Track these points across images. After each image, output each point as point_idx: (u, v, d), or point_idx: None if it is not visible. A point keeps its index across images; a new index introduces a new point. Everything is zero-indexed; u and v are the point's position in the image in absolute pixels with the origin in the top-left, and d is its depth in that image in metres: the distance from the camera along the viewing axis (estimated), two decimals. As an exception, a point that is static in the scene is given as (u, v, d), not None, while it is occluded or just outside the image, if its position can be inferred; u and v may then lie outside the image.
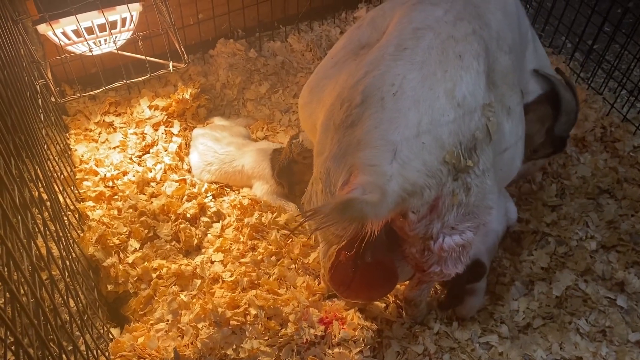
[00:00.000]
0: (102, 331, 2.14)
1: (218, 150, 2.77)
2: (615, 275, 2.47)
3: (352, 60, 1.82)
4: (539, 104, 2.38)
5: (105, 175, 2.77)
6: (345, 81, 1.73)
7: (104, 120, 3.10)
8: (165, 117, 3.12)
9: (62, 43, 2.45)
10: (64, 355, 1.71)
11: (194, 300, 2.34)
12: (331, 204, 1.43)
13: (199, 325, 2.20)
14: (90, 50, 2.48)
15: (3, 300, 1.45)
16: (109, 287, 2.37)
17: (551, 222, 2.64)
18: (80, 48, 2.48)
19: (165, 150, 2.96)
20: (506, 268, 2.49)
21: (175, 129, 3.08)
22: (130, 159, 2.91)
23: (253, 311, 2.23)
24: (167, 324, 2.25)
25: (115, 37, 2.48)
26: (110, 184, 2.76)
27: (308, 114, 1.98)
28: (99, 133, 3.04)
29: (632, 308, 2.37)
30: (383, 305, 2.31)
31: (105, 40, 2.48)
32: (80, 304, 2.05)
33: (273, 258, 2.48)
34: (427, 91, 1.57)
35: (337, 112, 1.67)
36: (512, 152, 1.87)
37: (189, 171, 2.88)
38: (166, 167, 2.85)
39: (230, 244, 2.54)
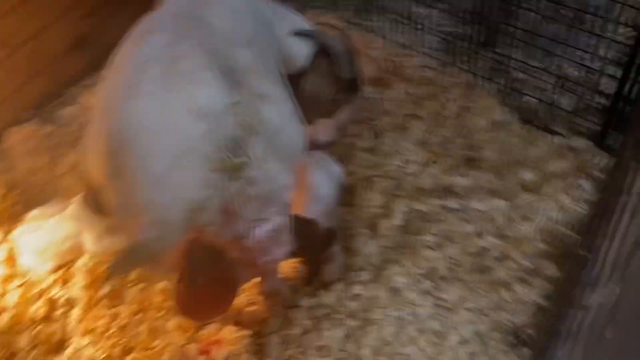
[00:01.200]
0: None
1: (44, 236, 2.67)
2: (442, 183, 2.72)
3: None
4: (312, 61, 2.52)
5: None
6: (97, 128, 1.74)
7: None
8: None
9: None
10: None
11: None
12: (118, 256, 1.47)
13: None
14: None
15: None
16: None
17: (373, 164, 2.84)
18: None
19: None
20: (350, 221, 2.66)
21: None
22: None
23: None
24: None
25: None
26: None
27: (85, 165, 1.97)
28: None
29: (464, 205, 2.64)
30: (252, 308, 2.39)
31: None
32: None
33: (138, 316, 2.47)
34: (168, 117, 1.63)
35: (96, 163, 1.70)
36: (287, 130, 1.97)
37: (28, 272, 2.75)
38: (1, 279, 2.71)
39: (93, 323, 2.48)
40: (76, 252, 2.75)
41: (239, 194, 1.73)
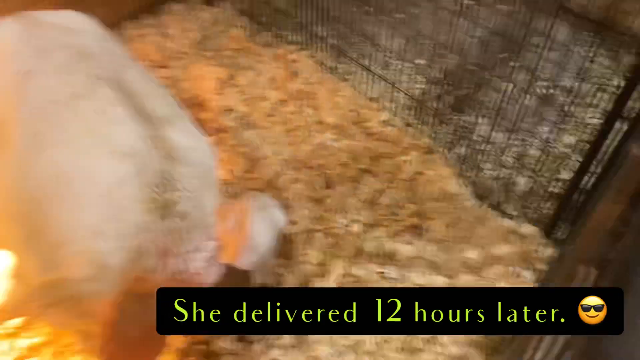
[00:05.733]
0: None
1: None
2: (385, 249, 2.62)
3: None
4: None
5: None
6: (2, 190, 1.56)
7: None
8: None
9: None
10: None
11: None
12: (43, 288, 1.33)
13: None
14: None
15: None
16: None
17: (318, 217, 2.73)
18: None
19: None
20: (282, 275, 2.53)
21: None
22: None
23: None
24: None
25: None
26: None
27: None
28: None
29: (403, 276, 2.54)
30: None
31: None
32: None
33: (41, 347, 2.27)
34: (92, 162, 1.51)
35: (16, 225, 1.52)
36: (200, 148, 1.80)
37: None
38: None
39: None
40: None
41: (173, 230, 1.61)
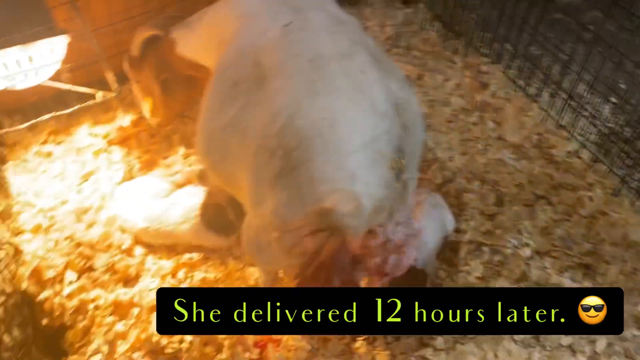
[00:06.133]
0: (36, 367, 2.13)
1: (150, 207, 2.64)
2: (549, 281, 2.52)
3: (234, 101, 1.81)
4: None
5: (42, 206, 2.75)
6: (261, 131, 1.70)
7: (42, 150, 3.07)
8: (106, 144, 3.11)
9: (-13, 78, 2.43)
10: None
11: (131, 329, 2.32)
12: (309, 213, 1.46)
13: (135, 355, 2.19)
14: (13, 86, 2.46)
15: None
16: (45, 321, 2.35)
17: (486, 231, 2.69)
18: (5, 83, 2.46)
19: (105, 178, 2.95)
20: (442, 279, 2.52)
21: (116, 156, 3.07)
22: (70, 187, 2.89)
23: (188, 338, 2.22)
24: (103, 355, 2.24)
25: (41, 69, 2.47)
26: (49, 214, 2.74)
27: (218, 176, 1.96)
28: (38, 163, 3.02)
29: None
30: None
31: (28, 74, 2.46)
32: (13, 341, 2.04)
33: (211, 283, 2.48)
34: (357, 113, 1.63)
35: (268, 162, 1.66)
36: (420, 124, 1.89)
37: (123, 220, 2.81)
38: (104, 195, 2.84)
39: (168, 272, 2.53)
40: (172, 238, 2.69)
41: (398, 196, 1.69)
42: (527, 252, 2.59)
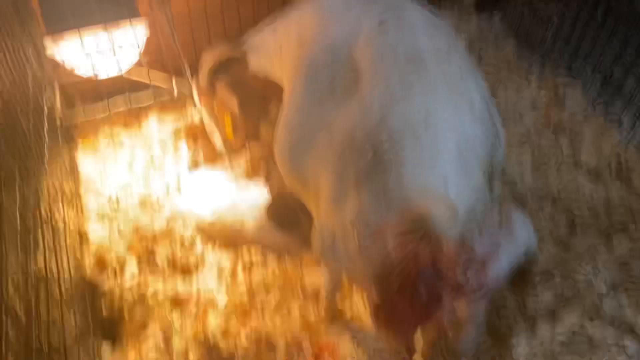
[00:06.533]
0: (93, 353, 2.15)
1: (218, 197, 2.66)
2: (625, 319, 2.36)
3: (331, 101, 1.78)
4: None
5: (110, 194, 2.80)
6: (351, 128, 1.66)
7: (113, 138, 3.13)
8: (174, 136, 3.14)
9: (68, 66, 2.49)
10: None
11: (188, 325, 2.32)
12: (405, 218, 1.39)
13: (190, 351, 2.19)
14: (96, 76, 2.51)
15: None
16: (105, 309, 2.37)
17: (559, 258, 2.55)
18: (86, 71, 2.51)
19: (172, 170, 2.98)
20: (508, 303, 2.41)
21: (183, 149, 3.10)
22: (137, 177, 2.93)
23: (244, 339, 2.20)
24: (158, 348, 2.24)
25: (120, 60, 2.51)
26: (115, 202, 2.78)
27: (295, 175, 1.92)
28: (108, 151, 3.08)
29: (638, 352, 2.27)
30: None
31: (108, 65, 2.51)
32: (74, 325, 2.07)
33: (269, 284, 2.46)
34: (453, 115, 1.57)
35: (356, 162, 1.61)
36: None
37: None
38: (169, 187, 2.86)
39: (228, 270, 2.52)
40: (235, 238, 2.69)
41: (488, 204, 1.63)
42: (601, 285, 2.44)
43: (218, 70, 2.61)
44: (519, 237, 2.27)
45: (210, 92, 2.73)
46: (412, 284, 1.50)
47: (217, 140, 2.92)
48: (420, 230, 1.34)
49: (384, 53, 1.72)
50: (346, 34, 1.86)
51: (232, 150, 2.89)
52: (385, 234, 1.41)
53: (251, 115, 2.78)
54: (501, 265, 2.20)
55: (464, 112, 1.59)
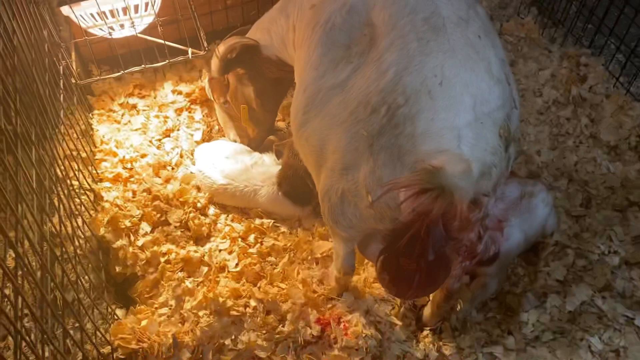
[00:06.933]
0: (107, 311, 2.18)
1: (231, 164, 2.67)
2: (636, 294, 2.34)
3: (347, 64, 1.75)
4: None
5: (124, 157, 2.81)
6: (365, 87, 1.65)
7: (127, 102, 3.13)
8: (188, 102, 3.14)
9: (83, 25, 2.48)
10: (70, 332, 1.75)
11: (199, 287, 2.35)
12: (418, 172, 1.36)
13: (200, 313, 2.21)
14: (110, 34, 2.49)
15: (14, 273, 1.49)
16: (118, 269, 2.40)
17: (573, 233, 2.53)
18: (101, 31, 2.50)
19: (185, 136, 2.98)
20: (520, 277, 2.40)
21: (197, 115, 3.09)
22: (150, 141, 2.94)
23: (253, 303, 2.22)
24: (170, 309, 2.27)
25: (136, 21, 2.49)
26: (129, 165, 2.79)
27: (307, 135, 1.89)
28: (122, 114, 3.08)
29: (650, 328, 2.25)
30: (390, 307, 2.26)
31: (124, 25, 2.49)
32: (89, 284, 2.10)
33: (279, 251, 2.47)
34: (470, 74, 1.55)
35: (368, 120, 1.60)
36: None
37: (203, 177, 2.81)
38: (182, 152, 2.87)
39: (239, 235, 2.54)
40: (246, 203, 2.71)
41: (504, 167, 1.60)
42: (615, 260, 2.42)
43: (231, 61, 2.57)
44: (539, 214, 2.25)
45: (223, 84, 2.71)
46: (421, 243, 1.49)
47: (232, 133, 2.90)
48: (433, 187, 1.30)
49: (401, 12, 1.68)
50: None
51: (249, 139, 2.86)
52: (397, 190, 1.38)
53: (268, 102, 2.76)
54: (516, 237, 2.19)
55: (482, 71, 1.56)
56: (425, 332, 2.22)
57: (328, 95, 1.78)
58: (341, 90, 1.74)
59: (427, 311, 2.22)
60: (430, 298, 2.19)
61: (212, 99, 2.85)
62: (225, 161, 2.65)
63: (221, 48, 2.51)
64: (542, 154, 2.91)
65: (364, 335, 2.09)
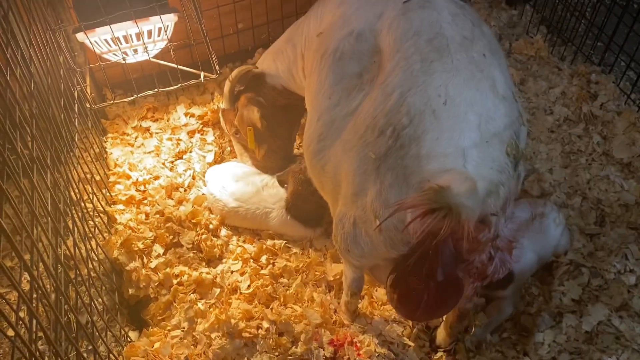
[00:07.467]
0: (120, 334, 2.19)
1: (242, 186, 2.69)
2: (654, 313, 2.31)
3: (359, 91, 1.77)
4: None
5: (137, 179, 2.84)
6: (372, 111, 1.66)
7: (140, 125, 3.18)
8: (201, 125, 3.18)
9: (98, 51, 2.53)
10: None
11: (211, 309, 2.35)
12: (424, 192, 1.35)
13: (213, 335, 2.21)
14: (124, 59, 2.54)
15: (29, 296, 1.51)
16: (131, 291, 2.41)
17: (587, 252, 2.50)
18: (115, 56, 2.55)
19: (197, 158, 3.01)
20: (534, 297, 2.37)
21: (209, 137, 3.12)
22: (163, 164, 2.97)
23: (265, 325, 2.21)
24: (182, 331, 2.27)
25: (149, 46, 2.53)
26: (142, 188, 2.82)
27: (323, 163, 1.91)
28: (135, 137, 3.12)
29: (671, 350, 2.21)
30: (401, 329, 2.24)
31: (137, 50, 2.54)
32: (102, 306, 2.11)
33: (292, 272, 2.47)
34: (474, 92, 1.55)
35: (375, 142, 1.62)
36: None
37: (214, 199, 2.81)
38: (195, 174, 2.89)
39: (251, 256, 2.54)
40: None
41: (513, 185, 1.59)
42: (631, 279, 2.39)
43: (239, 92, 2.66)
44: (551, 234, 2.24)
45: (234, 115, 2.76)
46: (430, 263, 1.48)
47: (248, 164, 2.92)
48: (440, 206, 1.29)
49: (405, 34, 1.70)
50: (370, 19, 1.85)
51: (257, 161, 2.88)
52: (404, 210, 1.37)
53: (279, 129, 2.79)
54: (529, 258, 2.17)
55: (486, 90, 1.56)
56: (439, 354, 2.19)
57: (343, 123, 1.80)
58: (352, 117, 1.76)
59: (440, 332, 2.20)
60: (443, 319, 2.18)
61: (226, 131, 2.91)
62: (236, 184, 2.67)
63: (228, 81, 2.60)
64: (554, 172, 2.89)
65: (377, 355, 2.07)
